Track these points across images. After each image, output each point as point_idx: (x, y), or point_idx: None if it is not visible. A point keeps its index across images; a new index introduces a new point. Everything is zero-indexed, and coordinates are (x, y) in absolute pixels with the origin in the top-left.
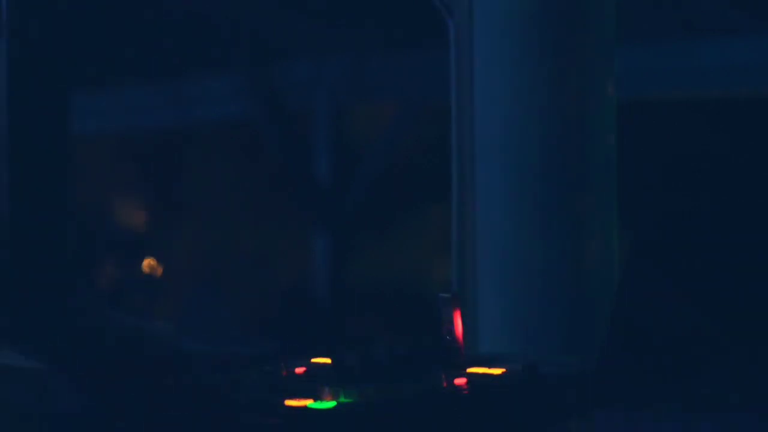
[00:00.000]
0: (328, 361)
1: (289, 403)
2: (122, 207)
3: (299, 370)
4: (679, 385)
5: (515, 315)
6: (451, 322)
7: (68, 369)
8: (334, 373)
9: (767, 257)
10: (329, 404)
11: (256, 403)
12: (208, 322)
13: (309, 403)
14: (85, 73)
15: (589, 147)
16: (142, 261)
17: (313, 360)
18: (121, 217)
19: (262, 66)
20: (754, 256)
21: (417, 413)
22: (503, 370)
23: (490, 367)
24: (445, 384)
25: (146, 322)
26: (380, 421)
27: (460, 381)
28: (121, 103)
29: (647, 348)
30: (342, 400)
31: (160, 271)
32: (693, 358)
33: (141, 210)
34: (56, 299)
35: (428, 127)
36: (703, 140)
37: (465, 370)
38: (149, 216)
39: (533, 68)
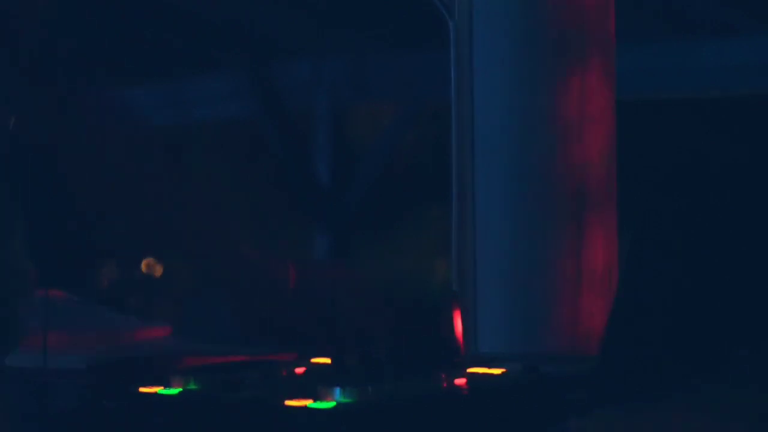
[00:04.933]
0: (328, 361)
1: (289, 403)
2: (122, 206)
3: (299, 370)
4: (679, 385)
5: (515, 315)
6: (451, 322)
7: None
8: (334, 373)
9: (767, 256)
10: (329, 404)
11: (256, 403)
12: (208, 322)
13: (309, 403)
14: (85, 73)
15: (589, 147)
16: (141, 261)
17: (313, 360)
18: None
19: (262, 66)
20: (753, 255)
21: (417, 413)
22: (503, 370)
23: (490, 367)
24: (445, 384)
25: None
26: (380, 421)
27: (460, 381)
28: (121, 104)
29: (647, 347)
30: (342, 400)
31: (159, 270)
32: (693, 358)
33: (140, 210)
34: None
35: (428, 127)
36: (703, 140)
37: (465, 370)
38: (149, 216)
39: (533, 68)
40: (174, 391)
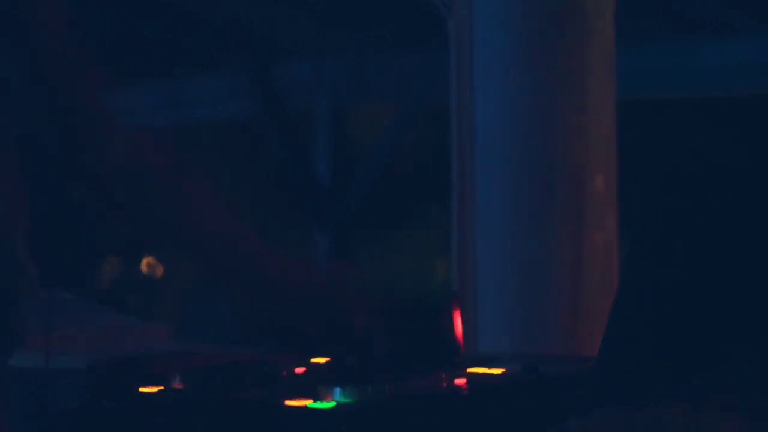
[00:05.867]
0: (328, 361)
1: (288, 403)
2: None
3: (299, 370)
4: (680, 385)
5: (515, 315)
6: (451, 322)
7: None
8: (334, 373)
9: (767, 256)
10: (329, 404)
11: (256, 403)
12: (208, 322)
13: (309, 403)
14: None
15: (589, 147)
16: (141, 261)
17: (313, 360)
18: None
19: (262, 66)
20: (754, 255)
21: (417, 413)
22: (503, 370)
23: (490, 367)
24: (445, 384)
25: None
26: (380, 422)
27: (460, 381)
28: (120, 104)
29: (647, 348)
30: (342, 400)
31: (160, 270)
32: (693, 358)
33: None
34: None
35: (428, 127)
36: (703, 140)
37: (465, 370)
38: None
39: (533, 68)
40: (174, 391)
